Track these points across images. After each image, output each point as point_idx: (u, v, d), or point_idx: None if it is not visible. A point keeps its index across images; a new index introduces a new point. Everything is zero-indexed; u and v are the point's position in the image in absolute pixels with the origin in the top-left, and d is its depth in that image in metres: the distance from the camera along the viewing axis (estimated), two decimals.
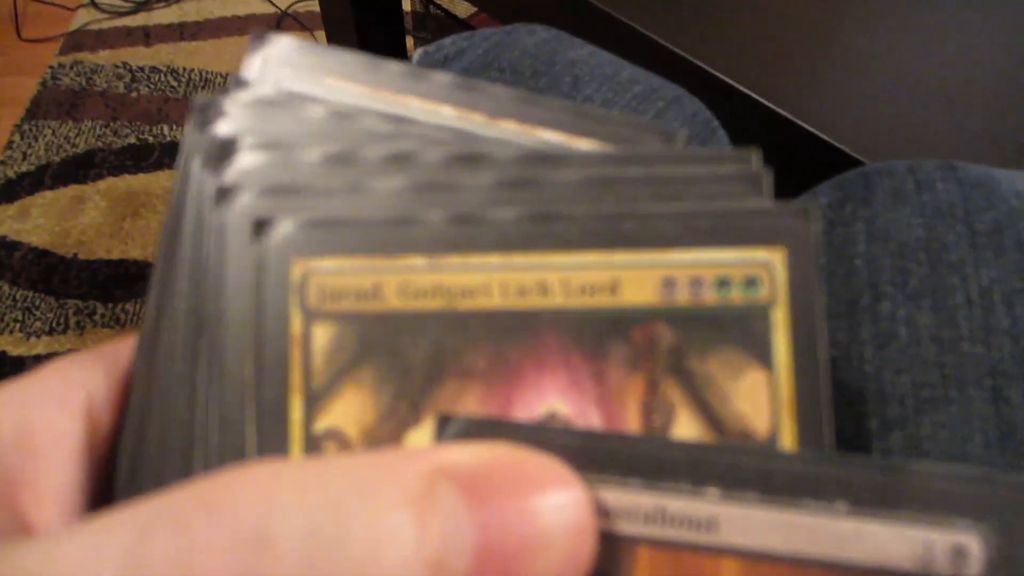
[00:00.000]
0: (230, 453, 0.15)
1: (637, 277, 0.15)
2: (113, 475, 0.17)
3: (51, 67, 1.20)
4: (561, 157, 0.16)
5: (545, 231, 0.15)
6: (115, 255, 1.00)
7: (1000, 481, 0.12)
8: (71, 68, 1.20)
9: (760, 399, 0.15)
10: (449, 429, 0.14)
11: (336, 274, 0.15)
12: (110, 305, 0.96)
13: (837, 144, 0.45)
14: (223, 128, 0.16)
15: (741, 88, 0.47)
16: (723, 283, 0.15)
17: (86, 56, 1.22)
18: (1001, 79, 0.47)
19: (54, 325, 0.94)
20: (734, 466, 0.13)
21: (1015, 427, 0.22)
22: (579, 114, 0.18)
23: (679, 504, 0.13)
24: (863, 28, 0.51)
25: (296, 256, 0.15)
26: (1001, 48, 0.49)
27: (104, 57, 1.21)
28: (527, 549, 0.12)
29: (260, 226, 0.15)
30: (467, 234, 0.15)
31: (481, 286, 0.15)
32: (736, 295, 0.15)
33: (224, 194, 0.15)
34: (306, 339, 0.15)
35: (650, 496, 0.13)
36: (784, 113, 0.47)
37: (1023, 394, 0.22)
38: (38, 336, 0.93)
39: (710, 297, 0.15)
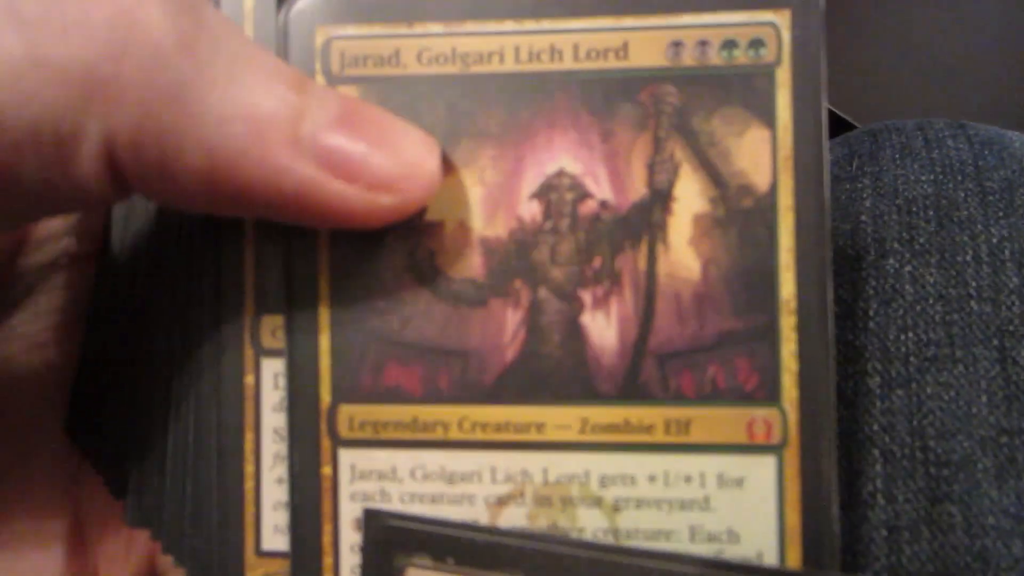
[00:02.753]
0: None
1: (645, 40, 0.16)
2: None
3: None
4: None
5: None
6: None
7: None
8: None
9: (761, 156, 0.16)
10: (371, 525, 0.15)
11: (357, 39, 0.16)
12: None
13: (840, 113, 0.45)
14: None
15: None
16: (729, 45, 0.16)
17: None
18: (1006, 49, 0.46)
19: None
20: None
21: (1022, 388, 0.22)
22: None
23: None
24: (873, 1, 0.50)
25: (320, 23, 0.16)
26: (1006, 18, 0.48)
27: None
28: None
29: None
30: (483, 1, 0.16)
31: (495, 51, 0.16)
32: (741, 56, 0.16)
33: None
34: None
35: None
36: None
37: None
38: None
39: (716, 58, 0.16)
